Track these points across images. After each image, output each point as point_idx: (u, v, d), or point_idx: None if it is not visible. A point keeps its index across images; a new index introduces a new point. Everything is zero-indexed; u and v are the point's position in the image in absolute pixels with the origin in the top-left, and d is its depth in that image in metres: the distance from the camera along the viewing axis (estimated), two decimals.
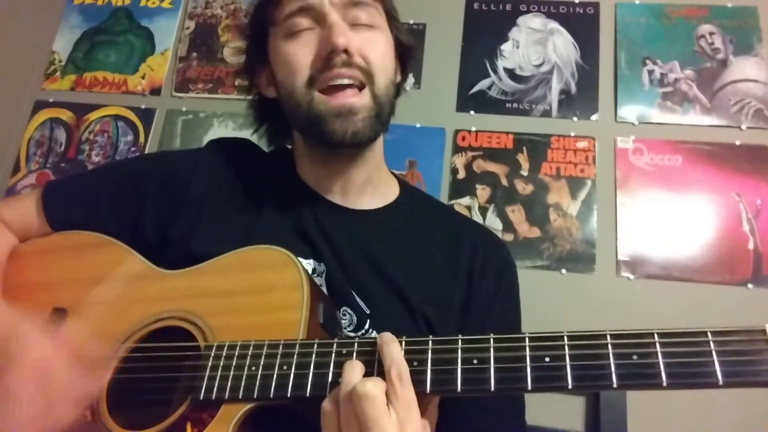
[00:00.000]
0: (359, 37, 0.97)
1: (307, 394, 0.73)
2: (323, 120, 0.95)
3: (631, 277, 1.76)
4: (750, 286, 1.70)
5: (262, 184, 1.06)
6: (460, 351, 0.70)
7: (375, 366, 0.72)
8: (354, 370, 0.71)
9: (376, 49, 0.98)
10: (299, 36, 0.97)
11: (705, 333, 0.63)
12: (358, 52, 0.95)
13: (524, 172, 1.91)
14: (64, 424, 0.77)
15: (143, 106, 2.19)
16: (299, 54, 0.96)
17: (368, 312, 0.94)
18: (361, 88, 0.96)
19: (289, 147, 1.15)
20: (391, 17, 1.06)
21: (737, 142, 1.84)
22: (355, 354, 0.74)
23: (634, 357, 0.64)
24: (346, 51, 0.93)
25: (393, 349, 0.71)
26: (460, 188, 1.93)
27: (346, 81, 0.94)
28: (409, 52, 1.11)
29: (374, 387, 0.67)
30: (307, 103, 0.95)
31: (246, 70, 1.12)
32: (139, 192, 1.05)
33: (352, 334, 0.91)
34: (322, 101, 0.94)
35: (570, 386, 0.65)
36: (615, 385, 0.63)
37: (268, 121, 1.15)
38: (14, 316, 0.87)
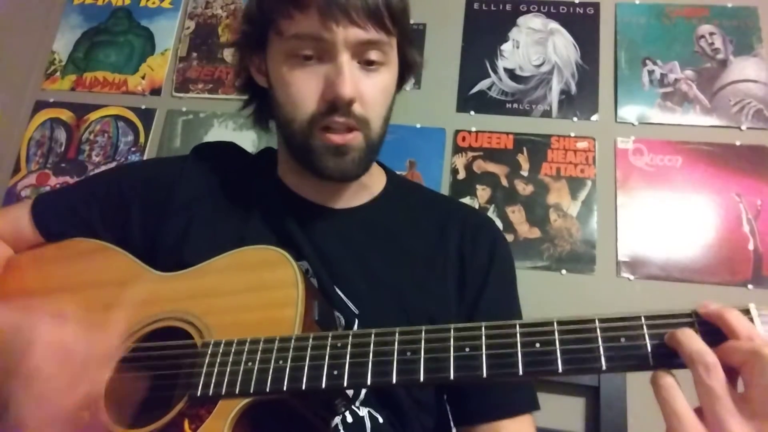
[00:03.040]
0: (365, 82, 0.93)
1: (303, 388, 0.73)
2: (317, 155, 0.94)
3: (632, 277, 1.76)
4: (750, 286, 1.70)
5: (247, 190, 1.06)
6: (452, 339, 0.71)
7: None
8: (695, 338, 0.60)
9: (378, 92, 0.95)
10: (304, 66, 0.92)
11: (690, 314, 0.64)
12: (360, 99, 0.92)
13: (524, 173, 1.91)
14: (100, 385, 0.77)
15: (143, 107, 2.19)
16: (304, 89, 0.92)
17: (357, 312, 0.94)
18: (353, 129, 0.94)
19: (275, 148, 1.14)
20: (404, 39, 1.01)
21: (737, 143, 1.84)
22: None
23: (622, 340, 0.65)
24: (350, 100, 0.90)
25: (740, 316, 0.61)
26: (461, 189, 1.93)
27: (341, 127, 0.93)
28: (412, 68, 1.07)
29: None
30: (304, 136, 0.94)
31: (238, 48, 1.07)
32: (124, 201, 1.06)
33: None
34: (319, 138, 0.93)
35: (560, 370, 0.65)
36: (604, 368, 0.64)
37: (255, 101, 1.11)
38: (15, 310, 0.85)
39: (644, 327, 0.65)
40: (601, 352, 0.65)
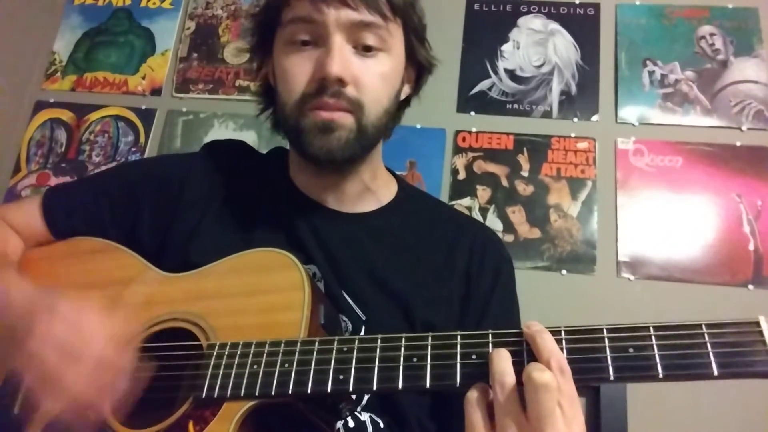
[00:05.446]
0: (359, 64, 0.92)
1: (309, 392, 0.73)
2: (305, 132, 0.93)
3: (632, 278, 1.76)
4: (750, 287, 1.70)
5: (257, 190, 1.06)
6: (459, 347, 0.71)
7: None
8: (504, 359, 0.66)
9: (374, 77, 0.94)
10: (298, 50, 0.94)
11: (699, 326, 0.65)
12: (353, 80, 0.91)
13: (525, 173, 1.91)
14: (116, 368, 0.77)
15: (144, 107, 2.19)
16: (295, 71, 0.93)
17: (364, 318, 0.94)
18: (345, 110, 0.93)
19: (287, 148, 1.14)
20: (410, 31, 1.01)
21: (738, 143, 1.84)
22: (491, 345, 0.71)
23: (630, 350, 0.65)
24: (340, 80, 0.90)
25: (547, 339, 0.67)
26: (461, 189, 1.93)
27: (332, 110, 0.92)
28: (425, 67, 1.07)
29: (553, 378, 0.62)
30: (295, 117, 0.94)
31: (253, 54, 1.08)
32: (134, 198, 1.06)
33: None
34: (309, 116, 0.92)
35: None
36: (612, 378, 0.64)
37: (273, 106, 1.10)
38: (38, 290, 0.86)
39: (653, 338, 0.65)
40: (609, 362, 0.65)
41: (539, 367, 0.63)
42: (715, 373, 0.62)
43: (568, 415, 0.62)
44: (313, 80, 0.91)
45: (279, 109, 1.00)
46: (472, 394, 0.67)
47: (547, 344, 0.66)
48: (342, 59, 0.90)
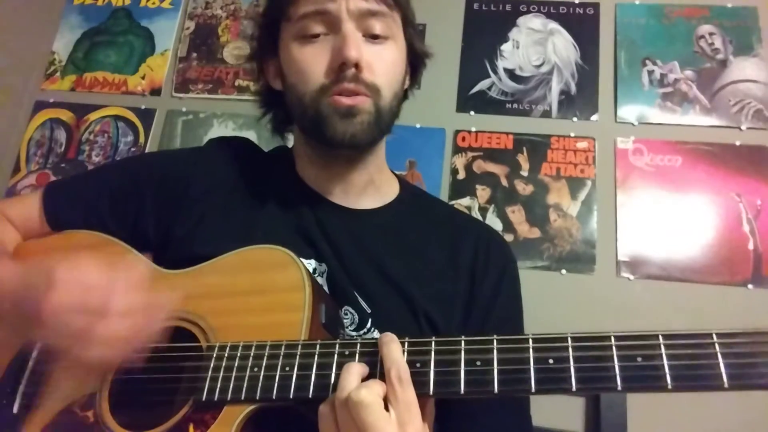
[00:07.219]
0: (371, 51, 0.96)
1: (310, 396, 0.73)
2: (327, 120, 0.95)
3: (631, 277, 1.76)
4: (750, 286, 1.70)
5: (262, 184, 1.06)
6: (463, 352, 0.70)
7: (378, 367, 0.72)
8: (350, 373, 0.71)
9: (385, 63, 0.98)
10: (312, 42, 0.97)
11: (710, 335, 0.63)
12: (368, 66, 0.95)
13: (524, 173, 1.91)
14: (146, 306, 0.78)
15: (143, 107, 2.19)
16: (312, 62, 0.96)
17: (369, 311, 0.94)
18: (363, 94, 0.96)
19: (289, 147, 1.15)
20: (408, 24, 1.05)
21: (737, 143, 1.84)
22: (357, 355, 0.74)
23: (639, 359, 0.64)
24: (356, 65, 0.93)
25: (393, 349, 0.71)
26: (461, 189, 1.93)
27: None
28: (421, 59, 1.11)
29: (369, 394, 0.67)
30: (315, 107, 0.96)
31: (254, 58, 1.12)
32: (139, 191, 1.05)
33: (353, 334, 0.92)
34: (328, 103, 0.95)
35: (574, 388, 0.64)
36: (619, 388, 0.63)
37: (273, 110, 1.14)
38: (27, 267, 0.85)
39: (662, 347, 0.63)
40: (617, 371, 0.64)
41: (358, 386, 0.69)
42: (726, 385, 0.61)
43: (401, 420, 0.67)
44: (331, 68, 0.95)
45: (294, 103, 1.01)
46: (323, 409, 0.72)
47: (392, 353, 0.71)
48: (357, 44, 0.94)
